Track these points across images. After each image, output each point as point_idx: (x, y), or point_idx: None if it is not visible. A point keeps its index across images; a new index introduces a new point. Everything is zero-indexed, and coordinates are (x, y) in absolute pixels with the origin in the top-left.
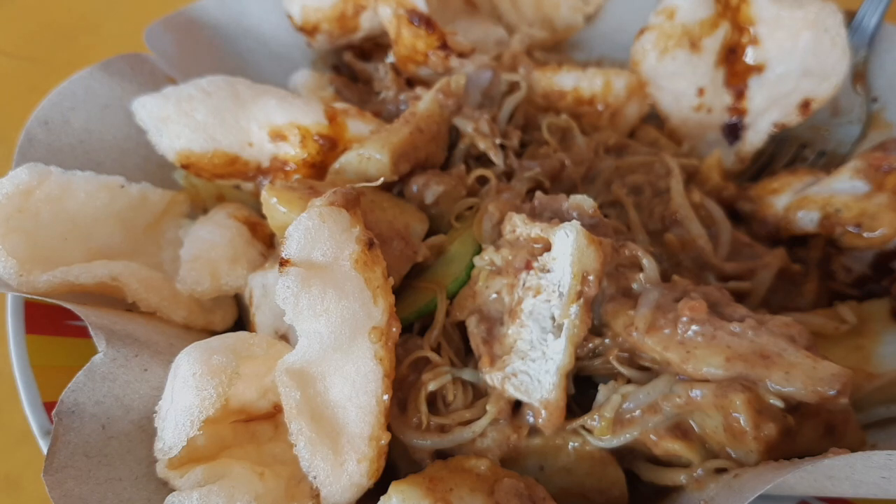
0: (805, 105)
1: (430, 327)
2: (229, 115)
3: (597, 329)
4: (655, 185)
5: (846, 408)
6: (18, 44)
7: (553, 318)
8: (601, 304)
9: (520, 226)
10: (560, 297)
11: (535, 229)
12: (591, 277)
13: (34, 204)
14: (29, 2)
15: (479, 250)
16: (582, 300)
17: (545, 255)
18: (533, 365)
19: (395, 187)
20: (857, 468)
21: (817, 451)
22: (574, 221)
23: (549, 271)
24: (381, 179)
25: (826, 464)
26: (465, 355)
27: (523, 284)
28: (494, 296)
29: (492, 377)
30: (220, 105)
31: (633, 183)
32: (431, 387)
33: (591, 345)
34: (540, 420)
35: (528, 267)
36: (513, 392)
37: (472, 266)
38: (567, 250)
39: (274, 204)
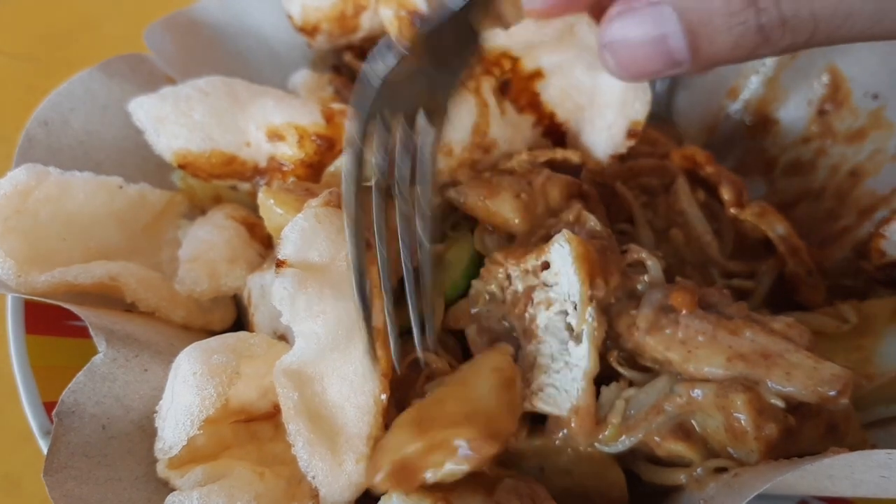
0: None
1: None
2: (227, 115)
3: None
4: (664, 184)
5: (847, 408)
6: (18, 44)
7: (570, 327)
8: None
9: (515, 282)
10: (574, 305)
11: (531, 262)
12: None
13: (33, 204)
14: (29, 2)
15: (477, 257)
16: (595, 302)
17: (545, 273)
18: (557, 376)
19: None
20: (857, 467)
21: (818, 451)
22: (563, 231)
23: (556, 284)
24: None
25: (826, 463)
26: (464, 358)
27: (533, 302)
28: (495, 316)
29: None
30: (217, 105)
31: (647, 185)
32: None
33: None
34: (572, 429)
35: (529, 298)
36: (542, 407)
37: (471, 273)
38: (567, 259)
39: (270, 205)
